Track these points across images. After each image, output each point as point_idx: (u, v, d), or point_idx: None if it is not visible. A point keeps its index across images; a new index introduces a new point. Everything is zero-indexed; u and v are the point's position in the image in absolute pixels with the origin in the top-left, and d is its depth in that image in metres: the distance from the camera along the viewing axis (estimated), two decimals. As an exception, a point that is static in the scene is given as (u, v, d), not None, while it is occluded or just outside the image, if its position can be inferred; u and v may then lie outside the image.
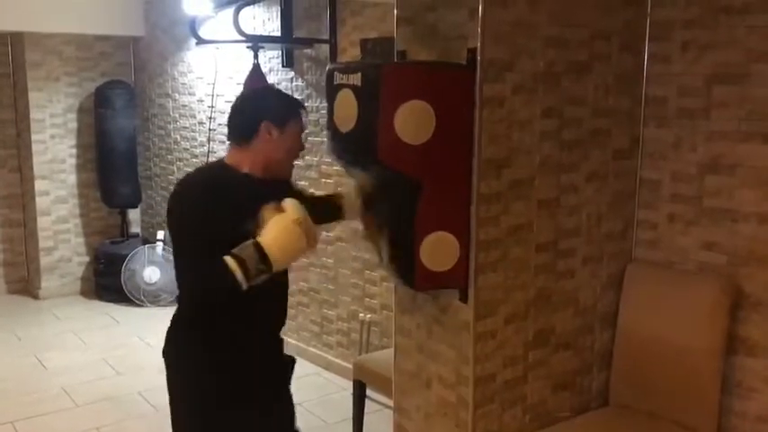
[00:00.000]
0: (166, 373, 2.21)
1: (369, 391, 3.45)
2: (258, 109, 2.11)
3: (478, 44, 2.20)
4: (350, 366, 4.14)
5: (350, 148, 2.27)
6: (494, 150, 2.29)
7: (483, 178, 2.28)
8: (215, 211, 1.95)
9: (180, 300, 2.18)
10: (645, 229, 2.75)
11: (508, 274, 2.41)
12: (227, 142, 2.21)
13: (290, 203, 1.97)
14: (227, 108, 5.66)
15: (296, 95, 4.57)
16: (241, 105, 2.17)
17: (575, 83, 2.47)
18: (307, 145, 4.50)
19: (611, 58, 2.57)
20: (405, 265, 2.30)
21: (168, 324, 2.22)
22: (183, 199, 2.04)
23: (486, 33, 2.21)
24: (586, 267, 2.64)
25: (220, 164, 2.15)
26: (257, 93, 2.33)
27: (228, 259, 1.86)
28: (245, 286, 1.87)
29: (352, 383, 3.59)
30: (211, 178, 2.09)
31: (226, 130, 2.23)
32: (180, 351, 2.17)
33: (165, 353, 2.21)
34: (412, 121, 2.15)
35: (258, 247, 1.88)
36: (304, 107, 2.22)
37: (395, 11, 2.49)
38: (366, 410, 3.46)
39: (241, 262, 1.86)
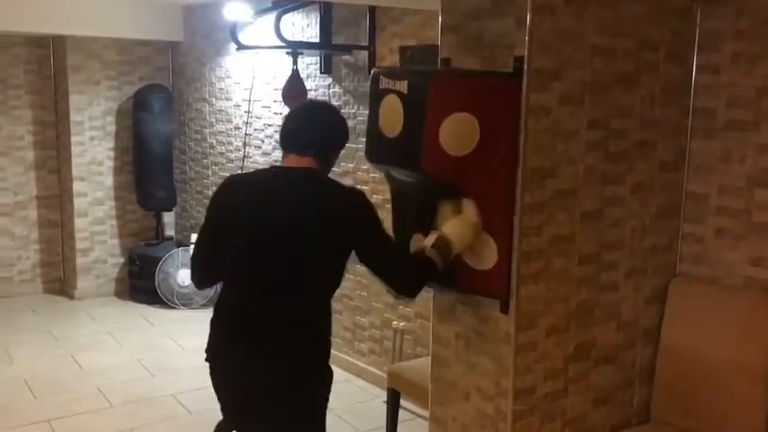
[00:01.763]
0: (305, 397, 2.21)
1: (402, 401, 3.43)
2: (341, 133, 2.32)
3: (525, 53, 2.18)
4: (382, 374, 4.13)
5: (393, 153, 2.26)
6: (538, 160, 2.27)
7: (527, 188, 2.25)
8: None
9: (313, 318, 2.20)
10: (690, 242, 2.70)
11: (550, 285, 2.38)
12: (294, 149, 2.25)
13: (468, 204, 2.26)
14: (264, 113, 5.71)
15: (333, 102, 4.59)
16: (329, 125, 2.30)
17: (621, 93, 2.44)
18: (343, 151, 4.51)
19: (658, 69, 2.53)
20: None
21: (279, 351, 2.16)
22: (366, 206, 2.20)
23: (534, 42, 2.18)
24: (629, 281, 2.60)
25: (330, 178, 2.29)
26: (337, 116, 2.37)
27: (432, 252, 2.16)
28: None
29: (383, 391, 3.58)
30: None
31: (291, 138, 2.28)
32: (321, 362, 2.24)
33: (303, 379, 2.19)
34: (456, 134, 2.14)
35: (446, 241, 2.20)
36: None
37: (439, 18, 2.48)
38: (399, 419, 3.43)
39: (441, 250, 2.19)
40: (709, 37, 2.60)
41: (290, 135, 2.24)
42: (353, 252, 2.19)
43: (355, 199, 2.20)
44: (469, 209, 2.24)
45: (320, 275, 2.18)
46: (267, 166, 2.49)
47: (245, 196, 2.21)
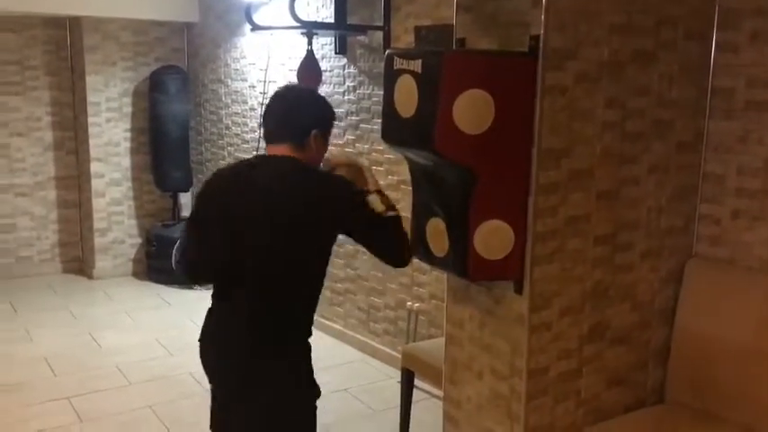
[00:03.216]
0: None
1: (416, 381, 3.45)
2: (312, 117, 2.18)
3: (542, 32, 2.16)
4: (396, 354, 4.15)
5: (407, 133, 2.25)
6: (554, 140, 2.25)
7: (542, 168, 2.24)
8: None
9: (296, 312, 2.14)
10: (707, 224, 2.68)
11: (565, 265, 2.37)
12: (275, 140, 2.18)
13: (336, 151, 2.29)
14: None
15: (348, 82, 4.57)
16: (296, 109, 2.19)
17: (639, 72, 2.41)
18: (357, 132, 4.52)
19: (676, 47, 2.50)
20: (458, 254, 2.29)
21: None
22: (350, 191, 2.13)
23: (550, 20, 2.16)
24: (645, 262, 2.58)
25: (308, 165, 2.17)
26: (310, 98, 2.27)
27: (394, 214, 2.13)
28: None
29: (398, 371, 3.60)
30: None
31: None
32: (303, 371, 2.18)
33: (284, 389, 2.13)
34: (471, 111, 2.12)
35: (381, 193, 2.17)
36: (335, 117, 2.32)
37: (454, -3, 2.46)
38: (413, 399, 3.46)
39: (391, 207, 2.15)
40: (729, 14, 2.56)
41: (266, 126, 2.21)
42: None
43: (339, 184, 2.14)
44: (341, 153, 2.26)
45: (306, 267, 2.12)
46: (251, 157, 2.41)
47: (228, 189, 2.16)
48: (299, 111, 2.18)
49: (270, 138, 2.19)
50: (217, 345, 2.21)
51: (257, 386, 2.11)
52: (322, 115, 2.21)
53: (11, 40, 6.07)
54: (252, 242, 2.07)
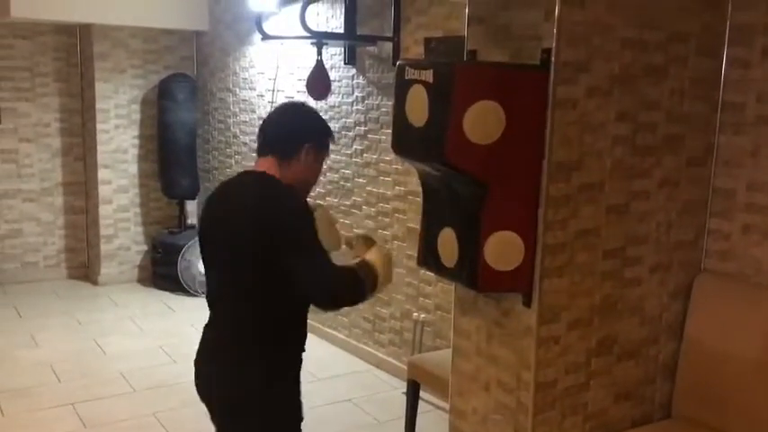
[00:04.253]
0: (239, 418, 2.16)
1: (421, 392, 3.44)
2: (304, 130, 2.17)
3: (553, 45, 2.17)
4: (401, 365, 4.14)
5: (418, 144, 2.26)
6: (564, 153, 2.25)
7: (552, 181, 2.24)
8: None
9: (249, 320, 2.11)
10: (716, 239, 2.67)
11: (574, 279, 2.37)
12: (262, 153, 2.20)
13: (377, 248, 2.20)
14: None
15: (356, 93, 4.59)
16: (287, 121, 2.21)
17: (650, 86, 2.41)
18: (366, 142, 4.52)
19: (687, 62, 2.51)
20: (468, 265, 2.28)
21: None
22: (292, 212, 2.04)
23: (562, 34, 2.17)
24: (654, 276, 2.58)
25: (274, 179, 2.12)
26: (303, 112, 2.27)
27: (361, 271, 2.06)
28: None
29: (403, 382, 3.59)
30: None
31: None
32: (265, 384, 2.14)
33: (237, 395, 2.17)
34: (481, 122, 2.13)
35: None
36: (334, 138, 2.28)
37: (466, 10, 2.47)
38: (418, 410, 3.45)
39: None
40: (740, 30, 2.56)
41: (258, 140, 2.23)
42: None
43: (283, 203, 2.03)
44: (377, 250, 2.18)
45: (252, 279, 2.05)
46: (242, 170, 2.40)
47: (209, 203, 2.24)
48: (288, 123, 2.19)
49: (259, 151, 2.21)
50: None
51: None
52: (314, 128, 2.19)
53: (22, 46, 6.11)
54: (214, 256, 2.18)
